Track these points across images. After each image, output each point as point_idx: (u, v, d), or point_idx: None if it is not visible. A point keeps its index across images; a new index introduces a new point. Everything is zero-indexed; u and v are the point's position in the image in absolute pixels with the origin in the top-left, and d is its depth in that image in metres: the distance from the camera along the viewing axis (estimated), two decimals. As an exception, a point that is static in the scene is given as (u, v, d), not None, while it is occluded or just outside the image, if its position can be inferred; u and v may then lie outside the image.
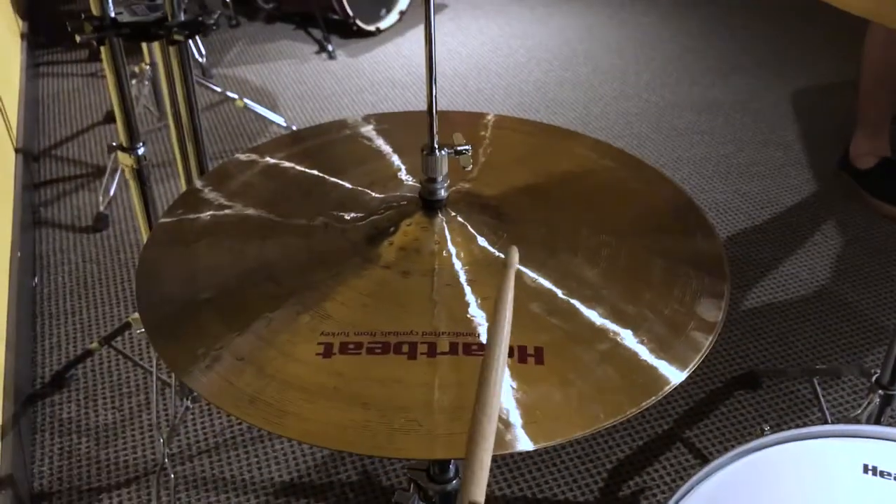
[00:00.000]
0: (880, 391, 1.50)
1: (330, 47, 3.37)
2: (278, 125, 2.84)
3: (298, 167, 1.07)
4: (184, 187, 1.73)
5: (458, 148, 0.90)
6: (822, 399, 1.79)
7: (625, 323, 0.82)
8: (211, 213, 0.99)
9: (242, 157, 1.10)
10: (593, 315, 0.83)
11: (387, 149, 1.10)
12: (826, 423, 1.74)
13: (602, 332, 0.81)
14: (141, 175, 1.66)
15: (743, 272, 2.23)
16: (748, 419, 1.82)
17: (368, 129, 1.14)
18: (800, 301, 2.14)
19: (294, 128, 2.84)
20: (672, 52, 3.42)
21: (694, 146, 2.79)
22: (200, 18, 1.52)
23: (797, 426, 1.80)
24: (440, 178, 0.91)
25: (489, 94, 3.10)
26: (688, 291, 0.86)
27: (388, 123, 1.16)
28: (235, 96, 2.80)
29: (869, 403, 1.52)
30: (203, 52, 3.19)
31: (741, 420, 1.82)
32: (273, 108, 2.95)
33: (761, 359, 1.97)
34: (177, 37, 1.48)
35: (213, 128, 2.88)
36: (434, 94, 0.86)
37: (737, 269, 2.25)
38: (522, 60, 3.35)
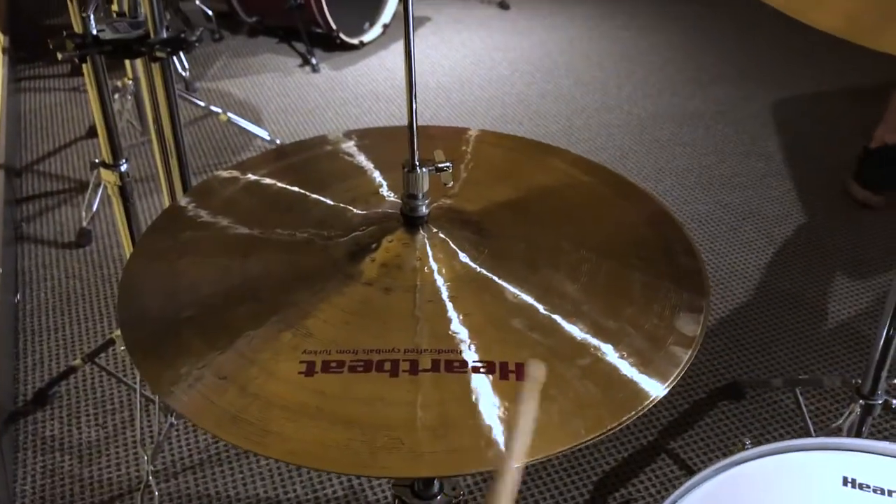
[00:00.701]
0: (861, 401, 1.52)
1: (313, 60, 3.37)
2: (262, 139, 2.84)
3: (280, 184, 1.07)
4: (167, 202, 1.72)
5: (439, 165, 0.90)
6: (804, 409, 1.80)
7: (605, 338, 0.83)
8: (193, 230, 0.99)
9: (225, 173, 1.11)
10: (574, 330, 0.84)
11: (368, 165, 1.10)
12: (809, 433, 1.75)
13: (583, 348, 0.82)
14: (124, 192, 1.65)
15: (725, 283, 2.25)
16: (732, 430, 1.83)
17: (350, 145, 1.15)
18: (782, 311, 2.15)
19: (278, 141, 2.84)
20: (652, 64, 3.44)
21: (676, 157, 2.81)
22: (183, 35, 1.52)
23: (780, 436, 1.82)
24: (421, 195, 0.91)
25: (472, 106, 3.11)
26: (667, 306, 0.87)
27: (370, 139, 1.17)
28: (219, 110, 2.80)
29: (850, 413, 1.54)
30: (186, 66, 3.19)
31: (725, 431, 1.83)
32: (257, 122, 2.95)
33: (744, 369, 1.98)
34: (159, 54, 1.48)
35: (197, 142, 2.88)
36: (415, 111, 0.86)
37: (719, 279, 2.26)
38: (505, 73, 3.37)
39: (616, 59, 3.48)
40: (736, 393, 1.92)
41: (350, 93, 3.20)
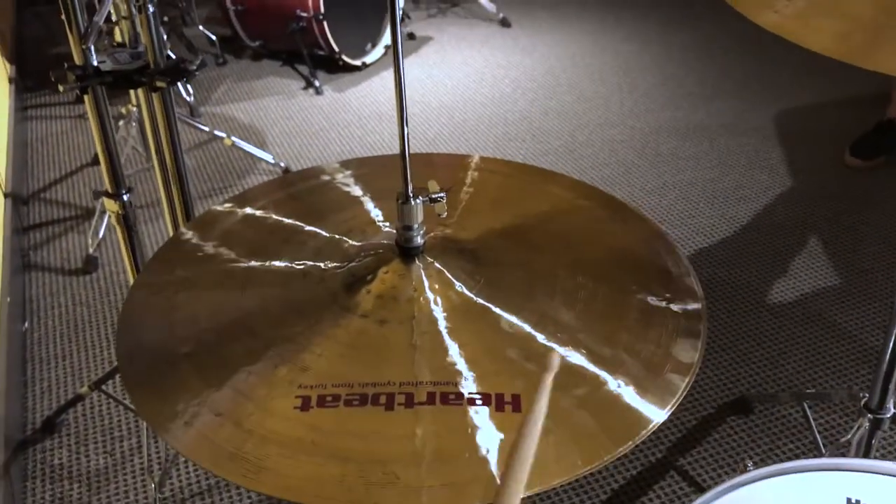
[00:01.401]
0: (869, 415, 1.50)
1: (317, 83, 3.39)
2: (267, 162, 2.85)
3: (278, 215, 1.08)
4: (170, 230, 1.74)
5: (433, 195, 0.91)
6: (813, 424, 1.79)
7: (602, 366, 0.83)
8: (192, 263, 1.00)
9: (224, 206, 1.11)
10: (570, 359, 0.84)
11: (365, 195, 1.11)
12: (818, 448, 1.74)
13: (579, 377, 0.82)
14: (127, 220, 1.66)
15: (731, 296, 2.24)
16: (741, 445, 1.82)
17: (347, 175, 1.15)
18: (788, 324, 2.14)
19: (283, 164, 2.85)
20: (655, 78, 3.44)
21: (679, 171, 2.81)
22: (182, 64, 1.53)
23: (790, 451, 1.81)
24: (416, 226, 0.91)
25: (474, 125, 3.12)
26: (664, 332, 0.87)
27: (367, 168, 1.17)
28: (223, 135, 2.82)
29: (858, 428, 1.52)
30: (191, 91, 3.21)
31: (734, 446, 1.81)
32: (261, 146, 2.96)
33: (752, 384, 1.97)
34: (159, 84, 1.50)
35: (202, 166, 2.89)
36: (406, 142, 0.87)
37: (724, 293, 2.25)
38: (507, 91, 3.38)
39: (618, 73, 3.49)
40: (744, 408, 1.91)
41: (353, 114, 3.22)
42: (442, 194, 0.90)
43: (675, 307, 0.90)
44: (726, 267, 2.36)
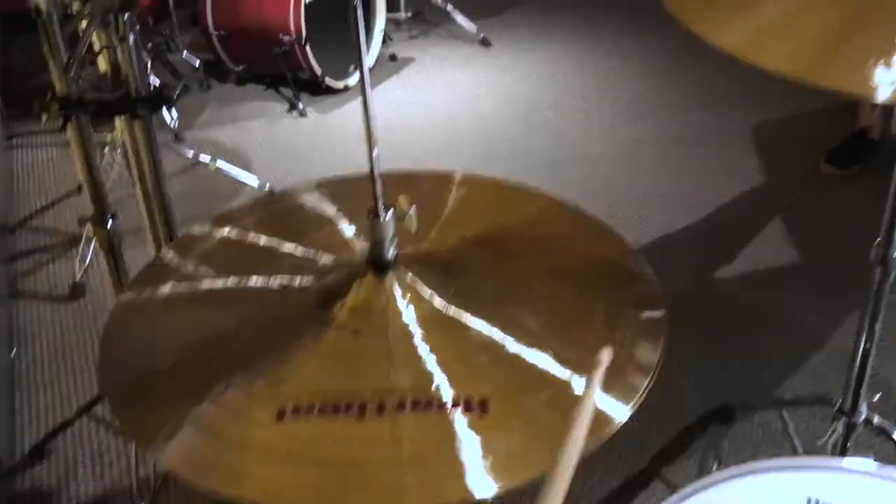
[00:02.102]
0: (843, 418, 1.53)
1: (300, 105, 3.43)
2: (252, 186, 2.88)
3: (255, 234, 1.11)
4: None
5: (404, 210, 0.94)
6: (791, 428, 1.81)
7: (568, 368, 0.86)
8: (171, 284, 1.03)
9: (203, 227, 1.14)
10: (537, 362, 0.87)
11: (340, 213, 1.14)
12: (797, 453, 1.76)
13: (546, 379, 0.85)
14: (112, 246, 1.69)
15: (710, 306, 2.27)
16: (725, 453, 1.84)
17: (323, 194, 1.19)
18: (768, 332, 2.17)
19: (268, 187, 2.88)
20: (634, 92, 3.49)
21: (660, 183, 2.85)
22: (164, 92, 1.56)
23: (770, 458, 1.83)
24: (387, 240, 0.95)
25: (458, 145, 3.16)
26: (628, 335, 0.90)
27: (343, 187, 1.21)
28: (208, 159, 2.84)
29: (833, 432, 1.55)
30: (175, 116, 3.23)
31: (717, 455, 1.84)
32: (246, 169, 2.98)
33: (734, 392, 2.00)
34: (141, 112, 1.53)
35: (187, 191, 2.91)
36: (375, 158, 0.90)
37: (704, 303, 2.29)
38: (489, 110, 3.42)
39: (598, 90, 3.53)
40: (726, 416, 1.93)
41: (338, 136, 3.25)
42: (411, 209, 0.93)
43: (637, 312, 0.94)
44: (706, 277, 2.39)
